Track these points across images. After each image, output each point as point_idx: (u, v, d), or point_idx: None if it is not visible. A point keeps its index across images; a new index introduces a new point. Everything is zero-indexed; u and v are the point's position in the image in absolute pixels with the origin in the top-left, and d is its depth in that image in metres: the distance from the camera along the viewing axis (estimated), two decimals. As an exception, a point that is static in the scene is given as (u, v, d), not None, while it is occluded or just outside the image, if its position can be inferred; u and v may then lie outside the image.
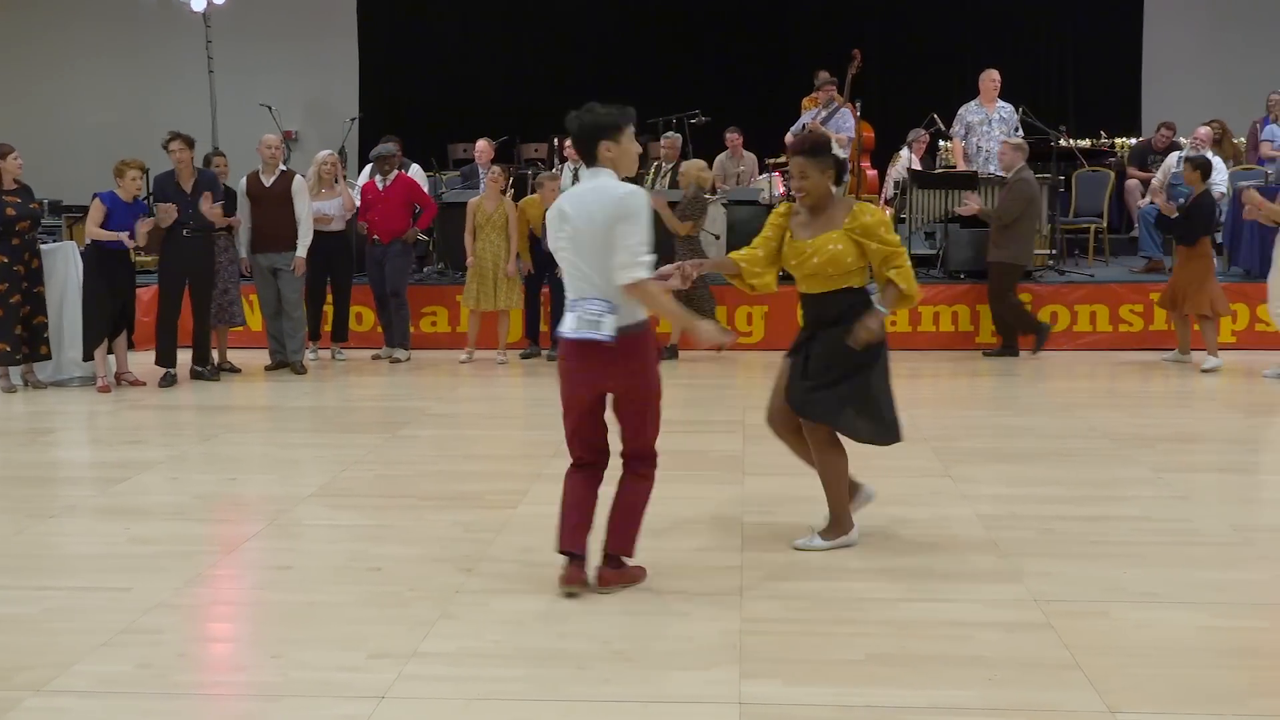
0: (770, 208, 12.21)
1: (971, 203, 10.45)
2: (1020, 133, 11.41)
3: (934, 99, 13.11)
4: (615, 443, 4.35)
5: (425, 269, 12.18)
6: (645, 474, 4.33)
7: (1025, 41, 16.27)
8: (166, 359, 9.13)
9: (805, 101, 13.10)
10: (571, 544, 4.28)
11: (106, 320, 8.88)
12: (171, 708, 3.45)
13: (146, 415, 8.15)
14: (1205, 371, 9.23)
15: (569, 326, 4.15)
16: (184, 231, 8.96)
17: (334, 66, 17.04)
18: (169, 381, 9.09)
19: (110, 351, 9.02)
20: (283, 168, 9.83)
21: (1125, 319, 10.61)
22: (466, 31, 16.84)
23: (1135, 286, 10.76)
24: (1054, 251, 11.77)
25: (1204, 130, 11.67)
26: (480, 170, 11.72)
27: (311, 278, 9.96)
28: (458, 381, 9.37)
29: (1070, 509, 5.38)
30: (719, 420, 7.65)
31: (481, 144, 12.07)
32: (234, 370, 9.81)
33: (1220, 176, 11.22)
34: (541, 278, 10.16)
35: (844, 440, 4.75)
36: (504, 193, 10.16)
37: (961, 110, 11.70)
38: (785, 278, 4.86)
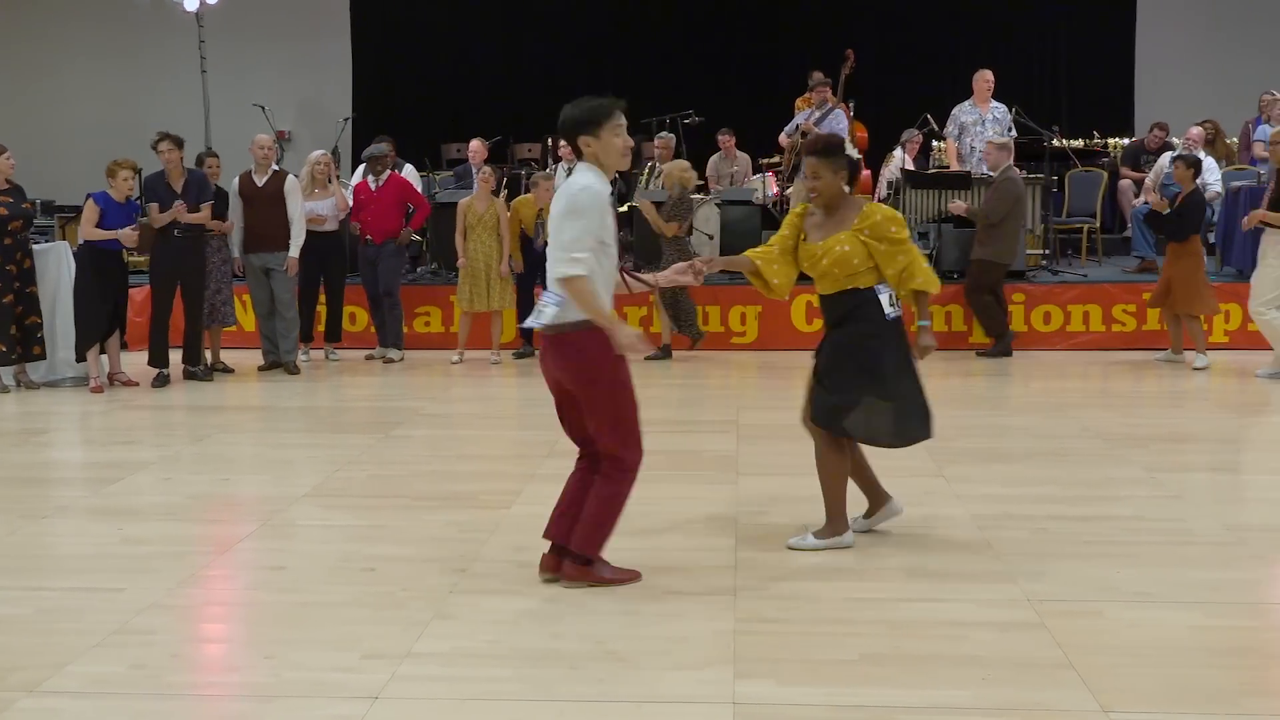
0: (763, 208, 12.27)
1: (957, 204, 10.50)
2: (1014, 133, 11.42)
3: (927, 99, 13.12)
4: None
5: (419, 269, 12.17)
6: (611, 475, 4.27)
7: (1018, 42, 16.27)
8: (159, 359, 9.12)
9: (799, 102, 13.10)
10: (552, 532, 4.37)
11: (100, 321, 8.86)
12: (165, 708, 3.44)
13: (139, 416, 8.13)
14: (1196, 370, 9.26)
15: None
16: (175, 232, 8.95)
17: (327, 66, 16.99)
18: (162, 382, 9.07)
19: (103, 352, 9.00)
20: (275, 168, 9.82)
21: (1118, 319, 10.62)
22: (460, 31, 16.81)
23: (1128, 286, 10.78)
24: (1047, 251, 11.80)
25: (1196, 130, 11.69)
26: (474, 170, 11.71)
27: (304, 278, 9.95)
28: (451, 382, 9.37)
29: (1064, 509, 5.39)
30: (713, 420, 7.65)
31: (475, 144, 12.07)
32: (227, 370, 9.80)
33: (1213, 177, 11.26)
34: (534, 277, 10.16)
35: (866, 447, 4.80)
36: (495, 193, 10.15)
37: (955, 110, 11.71)
38: (804, 277, 4.88)
